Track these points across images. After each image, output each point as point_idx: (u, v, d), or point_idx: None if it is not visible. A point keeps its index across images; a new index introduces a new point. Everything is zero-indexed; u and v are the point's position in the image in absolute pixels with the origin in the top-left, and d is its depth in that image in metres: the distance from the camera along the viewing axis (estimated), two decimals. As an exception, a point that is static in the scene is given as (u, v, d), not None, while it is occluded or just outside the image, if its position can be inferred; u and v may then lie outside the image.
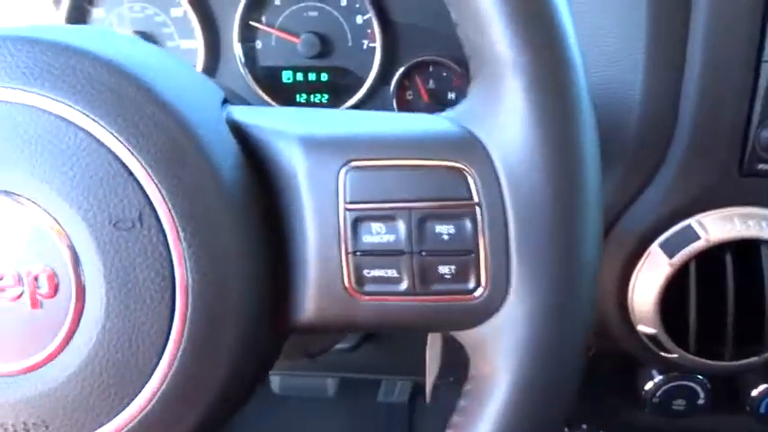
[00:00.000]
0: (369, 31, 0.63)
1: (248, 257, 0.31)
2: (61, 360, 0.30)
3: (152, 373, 0.30)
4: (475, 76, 0.30)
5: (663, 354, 0.51)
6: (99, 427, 0.31)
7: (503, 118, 0.29)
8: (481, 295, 0.30)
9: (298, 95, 0.65)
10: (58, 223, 0.29)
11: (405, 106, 0.64)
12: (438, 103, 0.64)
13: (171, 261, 0.29)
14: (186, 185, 0.29)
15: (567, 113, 0.29)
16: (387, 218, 0.30)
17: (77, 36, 0.31)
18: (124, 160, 0.29)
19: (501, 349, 0.31)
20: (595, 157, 0.29)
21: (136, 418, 0.30)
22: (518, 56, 0.28)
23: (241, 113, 0.33)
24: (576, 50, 0.29)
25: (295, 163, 0.31)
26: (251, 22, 0.63)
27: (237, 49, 0.63)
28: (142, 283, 0.29)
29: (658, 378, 0.59)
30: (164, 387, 0.30)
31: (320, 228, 0.31)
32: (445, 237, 0.30)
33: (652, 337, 0.50)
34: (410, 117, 0.33)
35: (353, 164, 0.31)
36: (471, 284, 0.30)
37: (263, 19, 0.63)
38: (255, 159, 0.32)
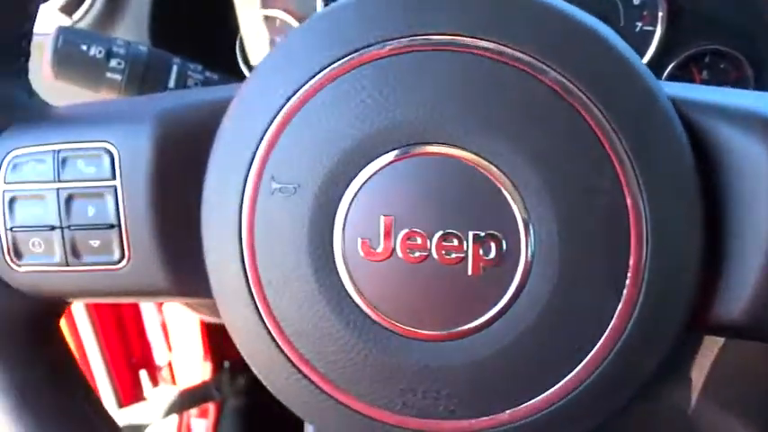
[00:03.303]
0: (645, 12, 0.59)
1: (699, 245, 0.28)
2: (491, 333, 0.28)
3: (581, 362, 0.28)
4: None
5: None
6: (511, 408, 0.29)
7: None
8: None
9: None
10: (516, 187, 0.27)
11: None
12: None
13: (629, 239, 0.27)
14: (659, 163, 0.27)
15: None
16: None
17: None
18: (596, 127, 0.27)
19: None
20: None
21: (551, 405, 0.29)
22: None
23: (674, 88, 0.30)
24: None
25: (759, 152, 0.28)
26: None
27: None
28: (598, 263, 0.27)
29: None
30: (591, 378, 0.28)
31: None
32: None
33: None
34: None
35: None
36: None
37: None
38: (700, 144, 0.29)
